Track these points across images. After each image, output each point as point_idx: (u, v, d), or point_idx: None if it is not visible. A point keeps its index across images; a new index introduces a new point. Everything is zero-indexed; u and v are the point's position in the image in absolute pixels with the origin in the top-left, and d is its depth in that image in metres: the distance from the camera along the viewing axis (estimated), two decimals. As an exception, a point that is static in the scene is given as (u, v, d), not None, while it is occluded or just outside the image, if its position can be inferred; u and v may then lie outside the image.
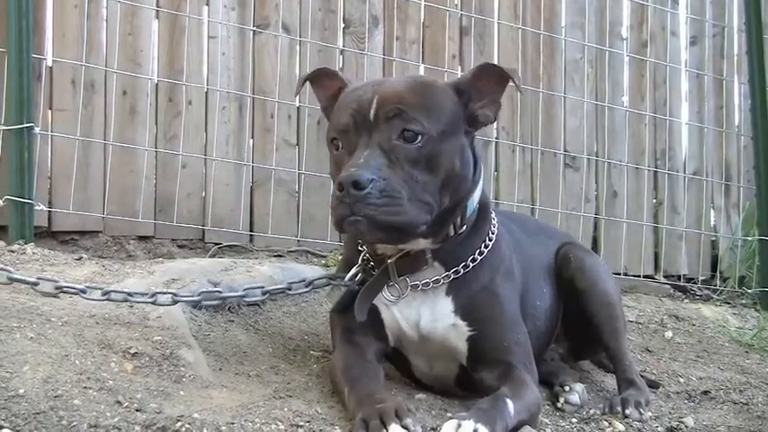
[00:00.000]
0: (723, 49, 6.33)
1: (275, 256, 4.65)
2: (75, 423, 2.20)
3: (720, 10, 6.33)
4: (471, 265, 2.98)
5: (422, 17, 5.29)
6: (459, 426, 2.45)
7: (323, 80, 3.11)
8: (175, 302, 3.06)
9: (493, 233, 3.08)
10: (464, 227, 2.96)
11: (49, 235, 4.33)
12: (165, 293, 3.04)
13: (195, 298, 3.10)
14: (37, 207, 4.16)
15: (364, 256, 3.03)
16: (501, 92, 2.95)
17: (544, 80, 5.59)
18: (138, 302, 3.03)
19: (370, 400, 2.58)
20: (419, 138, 2.72)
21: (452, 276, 2.96)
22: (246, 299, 3.17)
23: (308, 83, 3.18)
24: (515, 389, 2.79)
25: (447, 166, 2.78)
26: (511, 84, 2.91)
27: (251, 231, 4.79)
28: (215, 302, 3.19)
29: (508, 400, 2.67)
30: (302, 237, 4.87)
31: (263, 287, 3.18)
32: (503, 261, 3.11)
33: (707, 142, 6.18)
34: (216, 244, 4.67)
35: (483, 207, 3.05)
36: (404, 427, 2.42)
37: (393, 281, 2.95)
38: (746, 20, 5.93)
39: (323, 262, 4.61)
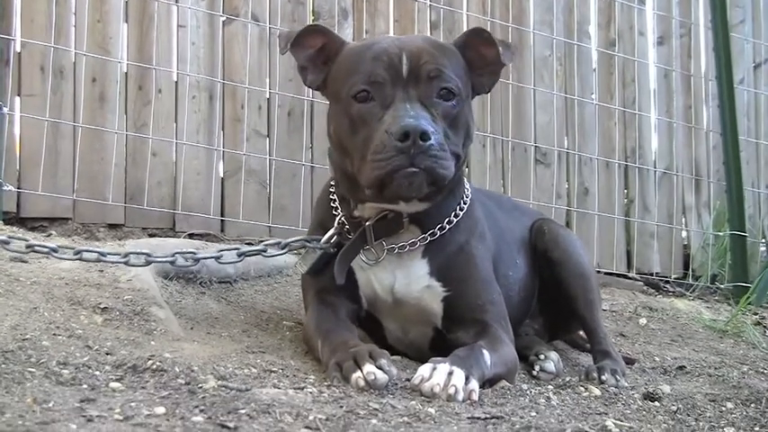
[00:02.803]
0: (690, 47, 6.36)
1: (246, 244, 4.60)
2: (44, 360, 2.16)
3: (687, 9, 6.37)
4: (447, 227, 2.98)
5: (391, 11, 5.29)
6: (434, 368, 2.44)
7: (304, 39, 2.97)
8: (149, 263, 3.00)
9: (467, 197, 3.07)
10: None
11: (18, 221, 4.26)
12: (138, 254, 2.96)
13: (169, 259, 3.04)
14: (6, 187, 4.11)
15: (340, 219, 3.00)
16: (500, 64, 2.99)
17: (514, 76, 5.58)
18: (111, 262, 2.96)
19: (343, 347, 2.57)
20: (455, 97, 2.78)
21: (429, 239, 2.95)
22: (222, 260, 3.10)
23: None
24: (492, 343, 2.79)
25: (465, 125, 2.85)
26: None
27: (222, 217, 4.74)
28: (189, 264, 3.13)
29: (485, 351, 2.67)
30: (273, 227, 4.82)
31: (238, 248, 3.13)
32: (477, 224, 3.11)
33: (676, 140, 6.20)
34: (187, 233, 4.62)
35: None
36: (378, 367, 2.40)
37: (370, 244, 2.93)
38: (712, 18, 5.96)
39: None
